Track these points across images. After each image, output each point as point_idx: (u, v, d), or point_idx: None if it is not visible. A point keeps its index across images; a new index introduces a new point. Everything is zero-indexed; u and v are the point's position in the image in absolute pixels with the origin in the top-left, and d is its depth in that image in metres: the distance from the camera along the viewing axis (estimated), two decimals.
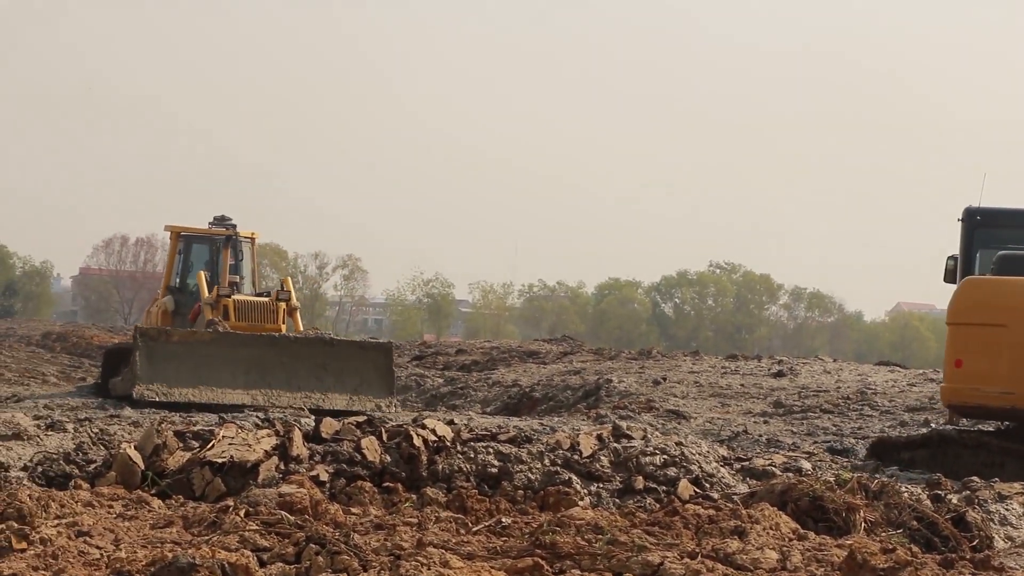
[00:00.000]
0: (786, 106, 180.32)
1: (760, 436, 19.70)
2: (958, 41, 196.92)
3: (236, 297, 22.38)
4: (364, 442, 9.78)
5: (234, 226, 23.98)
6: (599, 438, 10.64)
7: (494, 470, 9.96)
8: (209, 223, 24.33)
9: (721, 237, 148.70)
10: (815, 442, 19.00)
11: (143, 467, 9.24)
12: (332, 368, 19.27)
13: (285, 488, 8.49)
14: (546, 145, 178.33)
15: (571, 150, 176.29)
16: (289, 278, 25.43)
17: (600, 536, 6.55)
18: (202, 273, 23.12)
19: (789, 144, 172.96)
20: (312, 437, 9.92)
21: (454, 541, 6.81)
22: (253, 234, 24.42)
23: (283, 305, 22.53)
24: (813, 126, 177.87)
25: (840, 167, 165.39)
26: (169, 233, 24.77)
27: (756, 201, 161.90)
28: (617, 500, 9.93)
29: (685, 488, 10.02)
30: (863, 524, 8.40)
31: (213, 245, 23.85)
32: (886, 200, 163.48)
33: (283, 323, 22.45)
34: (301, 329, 22.54)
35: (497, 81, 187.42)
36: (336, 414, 14.68)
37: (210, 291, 22.45)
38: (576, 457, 10.33)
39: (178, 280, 24.27)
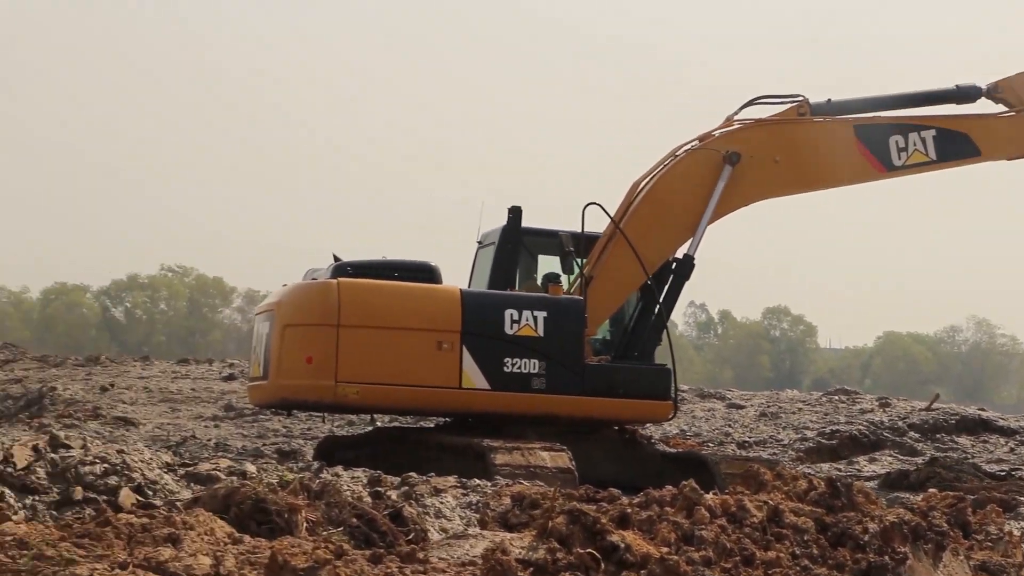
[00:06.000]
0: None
1: (209, 440, 19.62)
2: None
3: None
4: None
5: None
6: (35, 449, 10.18)
7: None
8: None
9: (172, 240, 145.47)
10: (265, 444, 19.16)
11: None
12: None
13: None
14: None
15: None
16: None
17: (26, 552, 6.27)
18: None
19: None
20: None
21: None
22: None
23: None
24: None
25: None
26: None
27: (207, 204, 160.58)
28: (54, 512, 9.56)
29: (127, 496, 9.77)
30: (304, 524, 8.51)
31: None
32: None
33: None
34: None
35: None
36: None
37: None
38: (10, 470, 9.85)
39: None
